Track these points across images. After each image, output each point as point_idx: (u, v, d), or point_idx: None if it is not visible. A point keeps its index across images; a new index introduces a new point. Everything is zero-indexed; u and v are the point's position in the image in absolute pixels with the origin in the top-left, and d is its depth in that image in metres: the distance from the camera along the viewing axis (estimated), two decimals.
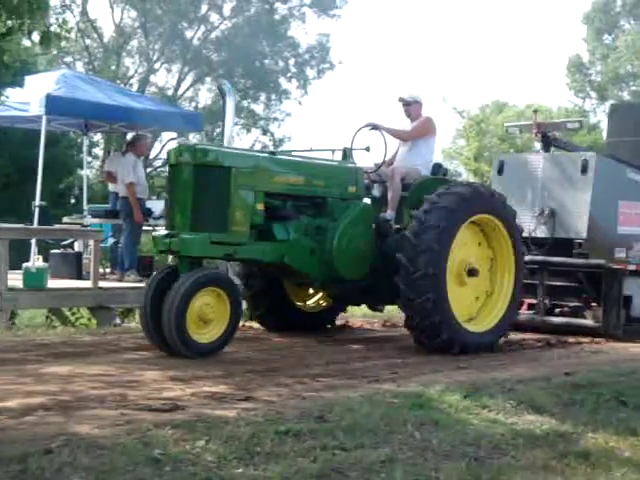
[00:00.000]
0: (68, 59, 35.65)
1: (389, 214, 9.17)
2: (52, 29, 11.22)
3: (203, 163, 7.94)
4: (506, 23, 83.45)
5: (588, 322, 10.72)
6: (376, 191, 9.40)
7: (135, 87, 35.85)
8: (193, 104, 38.75)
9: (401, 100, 9.76)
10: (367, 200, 9.45)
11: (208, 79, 38.92)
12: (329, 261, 8.64)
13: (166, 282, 7.78)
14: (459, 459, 5.03)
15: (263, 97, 39.37)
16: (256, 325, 10.01)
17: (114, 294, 10.97)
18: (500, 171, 11.72)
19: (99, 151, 34.19)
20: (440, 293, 8.50)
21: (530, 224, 11.00)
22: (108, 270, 13.32)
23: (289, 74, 38.48)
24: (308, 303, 10.07)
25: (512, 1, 77.35)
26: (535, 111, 12.92)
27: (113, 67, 36.50)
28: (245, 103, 39.33)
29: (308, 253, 8.61)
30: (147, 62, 37.71)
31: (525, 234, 10.59)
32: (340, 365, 7.79)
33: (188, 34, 37.78)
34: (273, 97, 39.29)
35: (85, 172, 18.22)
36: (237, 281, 9.32)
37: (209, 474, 4.41)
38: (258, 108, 39.91)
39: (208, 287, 7.72)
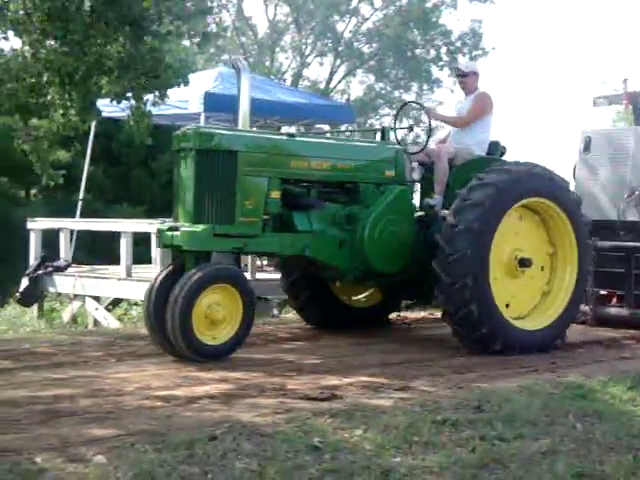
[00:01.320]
0: (224, 57, 36.60)
1: (435, 199, 8.27)
2: (210, 29, 11.59)
3: (207, 148, 7.23)
4: None
5: None
6: (416, 174, 8.46)
7: (288, 82, 36.44)
8: (345, 96, 39.01)
9: (457, 70, 8.95)
10: (416, 185, 8.61)
11: (359, 71, 39.09)
12: (361, 253, 7.80)
13: (171, 279, 7.12)
14: (625, 452, 4.88)
15: (415, 87, 39.16)
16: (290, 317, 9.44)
17: (271, 286, 11.20)
18: (587, 148, 10.40)
19: None
20: (480, 279, 7.57)
21: (620, 206, 9.90)
22: (265, 262, 13.61)
23: (441, 63, 38.12)
24: (357, 297, 9.18)
25: None
26: (625, 80, 11.34)
27: (267, 63, 37.22)
28: (397, 93, 39.27)
29: (336, 244, 7.80)
30: (300, 57, 38.25)
31: (614, 217, 9.84)
32: (496, 355, 7.68)
33: (339, 27, 38.05)
34: (425, 87, 39.03)
35: None
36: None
37: (368, 462, 4.45)
38: (410, 98, 39.76)
39: (216, 284, 7.01)
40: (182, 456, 4.38)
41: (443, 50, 37.86)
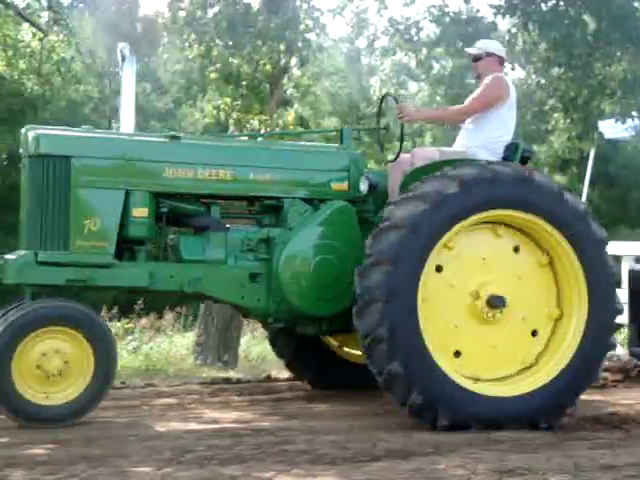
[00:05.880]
0: None
1: None
2: None
3: (37, 153, 5.87)
4: None
5: None
6: (363, 185, 6.38)
7: None
8: None
9: (469, 55, 6.85)
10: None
11: None
12: (278, 289, 6.15)
13: None
14: None
15: None
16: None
17: None
18: None
19: None
20: (403, 329, 5.52)
21: None
22: None
23: None
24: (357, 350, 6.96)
25: None
26: None
27: None
28: None
29: (244, 278, 6.16)
30: None
31: None
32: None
33: None
34: None
35: None
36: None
37: None
38: None
39: (51, 326, 5.62)
40: None
41: None
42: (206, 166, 6.17)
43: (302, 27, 12.43)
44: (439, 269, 5.78)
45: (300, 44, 12.21)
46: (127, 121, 6.19)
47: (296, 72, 14.67)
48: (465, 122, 6.58)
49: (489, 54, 6.54)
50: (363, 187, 6.35)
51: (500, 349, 5.87)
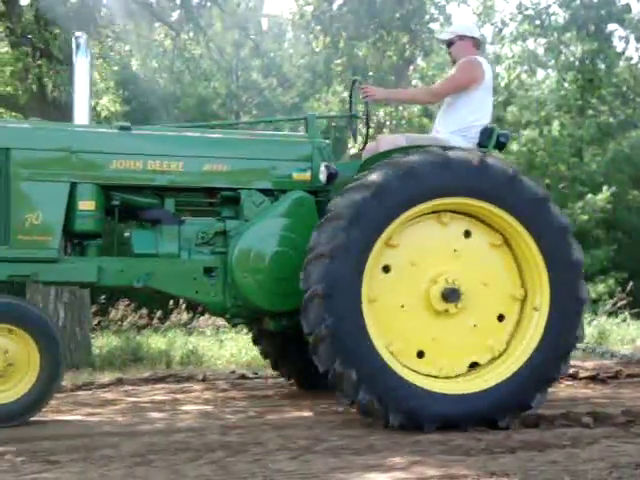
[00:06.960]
0: None
1: None
2: None
3: None
4: None
5: None
6: (322, 175, 6.08)
7: None
8: None
9: (440, 41, 6.53)
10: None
11: None
12: (232, 283, 5.90)
13: None
14: None
15: None
16: None
17: None
18: None
19: None
20: (344, 325, 5.17)
21: None
22: None
23: None
24: None
25: None
26: None
27: None
28: None
29: (198, 272, 5.92)
30: None
31: None
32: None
33: None
34: None
35: None
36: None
37: None
38: None
39: None
40: None
41: None
42: (156, 157, 5.98)
43: (426, 17, 12.36)
44: (386, 269, 5.47)
45: (424, 35, 12.15)
46: (81, 112, 6.02)
47: (421, 63, 14.60)
48: (441, 107, 6.36)
49: (461, 37, 6.28)
50: (322, 177, 6.10)
51: (457, 343, 5.56)
